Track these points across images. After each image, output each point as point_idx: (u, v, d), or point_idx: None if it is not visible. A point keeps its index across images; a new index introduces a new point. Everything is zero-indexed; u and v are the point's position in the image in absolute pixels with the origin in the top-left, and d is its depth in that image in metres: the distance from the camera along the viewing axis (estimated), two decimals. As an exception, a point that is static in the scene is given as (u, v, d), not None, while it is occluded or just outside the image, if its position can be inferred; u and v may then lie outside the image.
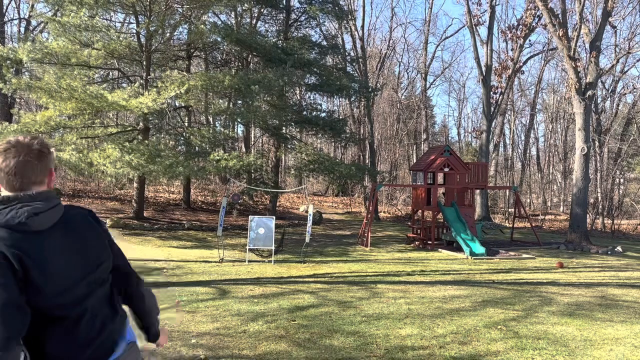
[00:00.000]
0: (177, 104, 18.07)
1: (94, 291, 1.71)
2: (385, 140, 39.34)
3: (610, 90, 31.20)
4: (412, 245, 15.81)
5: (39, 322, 1.58)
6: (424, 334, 5.60)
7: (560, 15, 17.86)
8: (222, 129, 19.85)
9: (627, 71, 30.20)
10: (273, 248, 11.66)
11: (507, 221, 25.67)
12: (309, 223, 12.27)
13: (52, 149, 1.74)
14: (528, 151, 40.78)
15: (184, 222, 17.08)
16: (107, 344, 1.72)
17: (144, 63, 15.76)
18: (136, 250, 12.01)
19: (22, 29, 24.10)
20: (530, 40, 32.57)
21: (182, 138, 17.41)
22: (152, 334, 2.04)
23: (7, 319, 1.45)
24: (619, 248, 15.75)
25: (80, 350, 1.63)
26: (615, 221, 24.15)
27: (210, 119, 23.81)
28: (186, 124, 20.08)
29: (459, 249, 14.27)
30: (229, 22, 21.21)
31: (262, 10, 21.46)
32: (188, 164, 13.59)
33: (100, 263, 1.76)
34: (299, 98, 26.75)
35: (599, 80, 23.27)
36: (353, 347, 5.07)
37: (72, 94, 13.02)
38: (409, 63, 54.11)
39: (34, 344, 1.58)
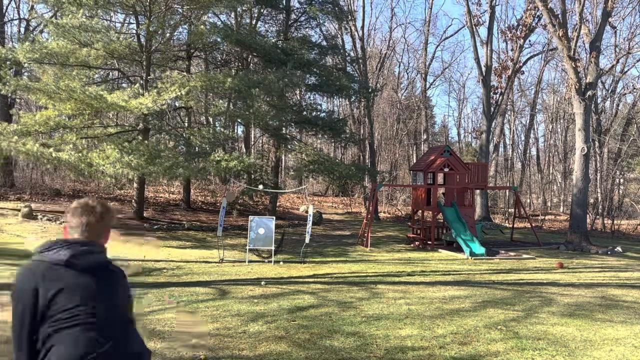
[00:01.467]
0: (177, 105, 18.06)
1: (116, 323, 2.05)
2: (385, 140, 39.34)
3: (610, 91, 31.21)
4: (412, 245, 15.81)
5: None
6: (424, 335, 5.60)
7: (560, 16, 17.86)
8: (222, 129, 19.81)
9: (627, 71, 30.23)
10: (273, 248, 11.65)
11: (507, 221, 25.67)
12: (309, 223, 12.26)
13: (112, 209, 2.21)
14: (528, 151, 40.79)
15: (184, 222, 17.08)
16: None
17: (144, 63, 15.75)
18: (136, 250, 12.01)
19: (22, 30, 24.10)
20: (530, 41, 32.58)
21: (182, 138, 17.40)
22: None
23: (22, 339, 1.91)
24: (618, 248, 15.75)
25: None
26: (615, 221, 24.14)
27: (210, 120, 23.81)
28: (186, 125, 20.07)
29: (459, 250, 14.26)
30: (228, 23, 21.21)
31: (262, 10, 21.45)
32: (188, 165, 13.57)
33: (124, 307, 2.11)
34: (299, 98, 26.73)
35: (599, 80, 23.28)
36: (353, 348, 5.07)
37: (71, 95, 12.99)
38: (409, 63, 54.16)
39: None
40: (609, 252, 15.38)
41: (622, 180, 31.07)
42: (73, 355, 1.88)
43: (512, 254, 14.17)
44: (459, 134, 49.55)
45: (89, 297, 1.98)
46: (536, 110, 39.33)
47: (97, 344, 1.94)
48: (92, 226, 2.07)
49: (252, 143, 31.46)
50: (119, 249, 11.29)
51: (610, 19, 20.26)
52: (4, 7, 21.56)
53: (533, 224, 18.26)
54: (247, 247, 11.70)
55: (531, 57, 34.63)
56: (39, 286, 1.92)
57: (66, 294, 1.93)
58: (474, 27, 25.75)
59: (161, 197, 22.06)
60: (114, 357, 1.96)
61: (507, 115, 36.96)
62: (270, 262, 11.35)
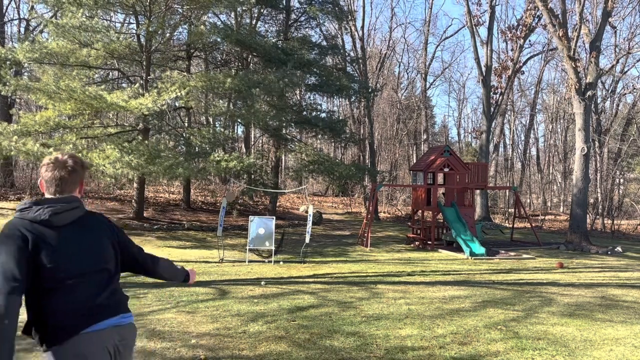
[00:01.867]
0: (177, 105, 18.07)
1: (98, 275, 2.18)
2: (385, 140, 39.34)
3: (610, 91, 31.21)
4: (412, 245, 15.80)
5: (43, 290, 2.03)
6: (424, 334, 5.60)
7: (560, 16, 17.86)
8: (222, 129, 19.83)
9: (627, 71, 30.23)
10: (273, 248, 11.66)
11: (507, 221, 25.67)
12: (309, 223, 12.26)
13: (85, 164, 2.29)
14: (528, 151, 40.80)
15: (184, 222, 17.08)
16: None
17: (144, 63, 15.75)
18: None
19: (22, 30, 24.09)
20: (530, 41, 32.59)
21: (182, 138, 17.40)
22: (181, 276, 2.66)
23: (8, 276, 1.92)
24: (618, 248, 15.74)
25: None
26: (615, 221, 24.14)
27: (210, 120, 23.81)
28: (186, 125, 20.07)
29: (459, 250, 14.26)
30: (228, 23, 21.20)
31: (262, 10, 21.44)
32: (188, 165, 13.57)
33: (106, 257, 2.23)
34: (299, 98, 26.74)
35: (599, 80, 23.27)
36: (353, 348, 5.07)
37: (71, 95, 12.99)
38: (408, 63, 54.18)
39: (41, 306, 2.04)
40: (609, 252, 15.38)
41: (622, 180, 31.07)
42: (68, 309, 2.04)
43: (512, 254, 14.17)
44: (459, 134, 49.62)
45: (73, 253, 2.10)
46: (536, 110, 39.36)
47: (87, 298, 2.09)
48: (65, 180, 2.16)
49: (252, 143, 31.46)
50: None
51: (610, 19, 20.26)
52: (4, 7, 21.56)
53: (533, 224, 18.26)
54: (247, 247, 11.70)
55: (531, 57, 34.70)
56: (27, 235, 2.01)
57: (52, 252, 2.04)
58: (474, 27, 25.75)
59: (161, 197, 22.06)
60: (103, 308, 2.12)
61: (507, 115, 36.96)
62: (270, 262, 11.35)
